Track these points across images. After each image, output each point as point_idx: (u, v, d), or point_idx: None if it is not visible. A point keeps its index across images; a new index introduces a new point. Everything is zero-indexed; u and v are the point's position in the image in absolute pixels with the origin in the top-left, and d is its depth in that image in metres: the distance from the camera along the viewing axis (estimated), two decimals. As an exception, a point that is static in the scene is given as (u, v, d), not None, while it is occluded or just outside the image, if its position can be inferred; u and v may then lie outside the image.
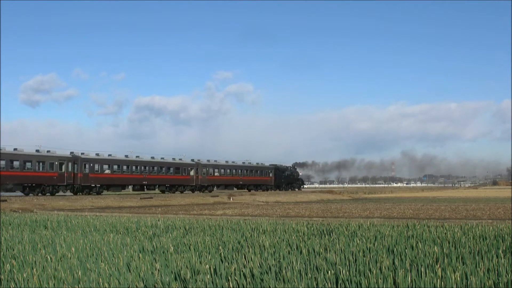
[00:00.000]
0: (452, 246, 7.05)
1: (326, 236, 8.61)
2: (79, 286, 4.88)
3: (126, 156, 51.71)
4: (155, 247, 7.30)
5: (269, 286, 4.72)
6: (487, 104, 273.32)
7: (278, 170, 69.04)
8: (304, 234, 9.00)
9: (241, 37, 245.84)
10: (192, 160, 57.12)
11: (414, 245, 7.11)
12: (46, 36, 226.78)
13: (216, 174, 59.28)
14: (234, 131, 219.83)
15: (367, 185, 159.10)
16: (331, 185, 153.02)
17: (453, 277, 4.71)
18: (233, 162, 62.97)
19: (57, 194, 42.03)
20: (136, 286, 4.84)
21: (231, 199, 36.81)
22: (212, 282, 4.86)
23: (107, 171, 47.64)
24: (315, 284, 4.73)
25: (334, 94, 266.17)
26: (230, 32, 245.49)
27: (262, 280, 4.91)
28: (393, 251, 6.57)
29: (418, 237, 8.19)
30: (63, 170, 42.88)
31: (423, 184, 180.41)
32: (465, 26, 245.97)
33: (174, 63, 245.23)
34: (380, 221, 12.10)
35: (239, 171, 62.47)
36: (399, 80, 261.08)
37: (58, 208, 24.02)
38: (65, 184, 43.04)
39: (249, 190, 59.89)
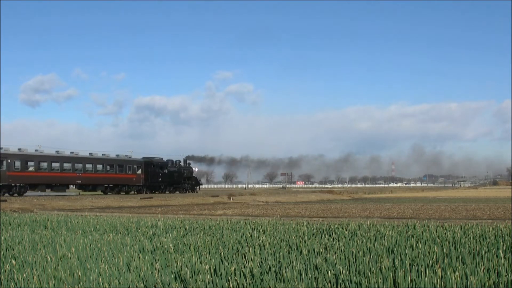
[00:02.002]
0: (452, 246, 7.05)
1: (326, 236, 8.61)
2: (79, 286, 4.87)
3: None
4: (155, 247, 7.30)
5: (269, 286, 4.72)
6: (487, 104, 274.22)
7: (151, 166, 51.14)
8: (304, 234, 9.00)
9: (241, 37, 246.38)
10: None
11: (414, 245, 7.11)
12: (46, 36, 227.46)
13: (30, 169, 41.58)
14: (234, 131, 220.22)
15: (367, 185, 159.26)
16: (331, 185, 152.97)
17: (453, 277, 4.71)
18: (72, 152, 46.74)
19: None
20: (136, 286, 4.84)
21: (231, 199, 36.83)
22: (212, 282, 4.86)
23: None
24: (315, 284, 4.73)
25: (334, 94, 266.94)
26: (230, 32, 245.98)
27: (262, 280, 4.91)
28: (393, 251, 6.57)
29: (418, 237, 8.19)
30: None
31: (423, 184, 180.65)
32: (465, 27, 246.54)
33: (174, 63, 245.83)
34: (380, 221, 12.10)
35: (78, 165, 44.81)
36: (400, 80, 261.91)
37: (58, 208, 24.01)
38: None
39: (104, 193, 46.00)
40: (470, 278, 4.73)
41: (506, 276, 4.83)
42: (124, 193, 47.28)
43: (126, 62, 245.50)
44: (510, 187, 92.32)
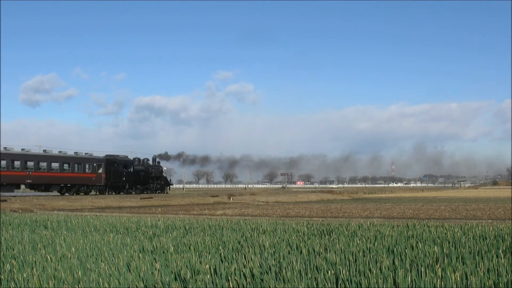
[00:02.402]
0: (452, 246, 7.05)
1: (326, 236, 8.61)
2: (79, 286, 4.87)
3: None
4: (155, 247, 7.30)
5: (269, 286, 4.72)
6: (487, 104, 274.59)
7: (114, 164, 47.31)
8: (304, 234, 9.00)
9: (241, 37, 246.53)
10: None
11: (414, 245, 7.11)
12: (46, 36, 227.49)
13: None
14: (234, 131, 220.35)
15: (367, 185, 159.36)
16: (336, 185, 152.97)
17: (453, 277, 4.71)
18: (23, 149, 41.84)
19: None
20: (136, 286, 4.84)
21: (231, 199, 36.84)
22: (212, 282, 4.86)
23: None
24: (315, 284, 4.73)
25: (334, 94, 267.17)
26: (230, 32, 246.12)
27: (262, 280, 4.90)
28: (393, 251, 6.57)
29: (418, 237, 8.19)
30: None
31: (423, 184, 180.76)
32: (465, 27, 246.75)
33: (174, 63, 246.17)
34: (380, 221, 12.10)
35: (30, 163, 40.55)
36: (400, 80, 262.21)
37: (58, 208, 24.02)
38: None
39: (61, 194, 42.22)
40: (470, 278, 4.73)
41: (506, 276, 4.83)
42: (83, 193, 43.59)
43: (126, 62, 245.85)
44: (510, 187, 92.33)
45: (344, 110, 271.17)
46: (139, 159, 52.18)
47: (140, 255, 6.47)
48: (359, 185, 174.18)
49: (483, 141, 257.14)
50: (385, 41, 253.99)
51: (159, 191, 51.95)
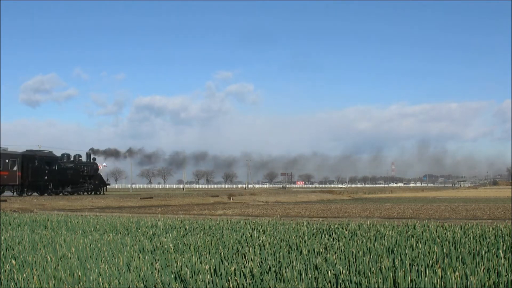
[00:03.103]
0: (452, 246, 7.05)
1: (326, 236, 8.61)
2: (79, 286, 4.87)
3: None
4: (155, 247, 7.30)
5: (269, 286, 4.72)
6: (488, 104, 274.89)
7: (34, 160, 41.02)
8: (304, 234, 9.00)
9: (241, 38, 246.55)
10: None
11: (414, 245, 7.11)
12: (46, 36, 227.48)
13: None
14: (234, 131, 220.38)
15: (367, 185, 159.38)
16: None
17: (453, 277, 4.71)
18: None
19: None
20: (136, 286, 4.84)
21: (231, 199, 36.84)
22: (212, 282, 4.86)
23: None
24: (315, 284, 4.73)
25: (334, 94, 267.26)
26: (230, 32, 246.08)
27: (262, 280, 4.90)
28: (393, 251, 6.57)
29: (418, 237, 8.19)
30: None
31: (423, 184, 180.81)
32: (465, 27, 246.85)
33: (174, 63, 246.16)
34: (380, 221, 12.10)
35: None
36: (400, 81, 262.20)
37: (58, 208, 24.01)
38: None
39: None
40: (470, 278, 4.73)
41: (506, 276, 4.83)
42: None
43: (126, 62, 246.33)
44: (510, 187, 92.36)
45: (344, 110, 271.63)
46: (68, 155, 46.55)
47: (140, 255, 6.47)
48: (359, 185, 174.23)
49: (483, 141, 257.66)
50: (385, 42, 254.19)
51: (93, 192, 46.77)
